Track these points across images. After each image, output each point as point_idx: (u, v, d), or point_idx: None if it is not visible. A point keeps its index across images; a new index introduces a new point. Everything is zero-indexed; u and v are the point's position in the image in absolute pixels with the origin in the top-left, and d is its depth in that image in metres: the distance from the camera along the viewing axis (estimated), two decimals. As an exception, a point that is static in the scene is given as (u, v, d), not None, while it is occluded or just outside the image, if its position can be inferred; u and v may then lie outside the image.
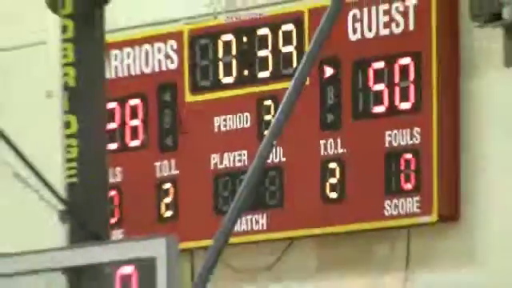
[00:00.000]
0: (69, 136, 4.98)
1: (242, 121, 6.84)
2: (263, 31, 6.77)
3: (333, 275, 6.88)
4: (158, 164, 7.04)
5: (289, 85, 3.83)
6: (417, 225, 6.50)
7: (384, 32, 6.38)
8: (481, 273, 6.67)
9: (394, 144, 6.33)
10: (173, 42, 6.99)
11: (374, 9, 6.61)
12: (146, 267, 4.53)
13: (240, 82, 6.84)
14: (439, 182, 6.43)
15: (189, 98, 6.91)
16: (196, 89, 6.63)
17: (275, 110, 6.84)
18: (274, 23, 6.69)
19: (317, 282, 6.99)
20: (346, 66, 6.35)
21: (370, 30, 6.46)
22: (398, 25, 6.41)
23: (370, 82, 6.37)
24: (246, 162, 6.74)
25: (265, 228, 6.64)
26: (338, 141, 6.47)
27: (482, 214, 6.64)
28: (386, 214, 6.35)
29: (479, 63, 6.33)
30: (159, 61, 7.03)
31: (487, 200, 6.74)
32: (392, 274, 7.08)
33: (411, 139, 6.24)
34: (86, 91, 5.16)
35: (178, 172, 7.18)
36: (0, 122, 6.29)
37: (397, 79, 6.34)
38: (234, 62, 6.78)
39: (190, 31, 6.97)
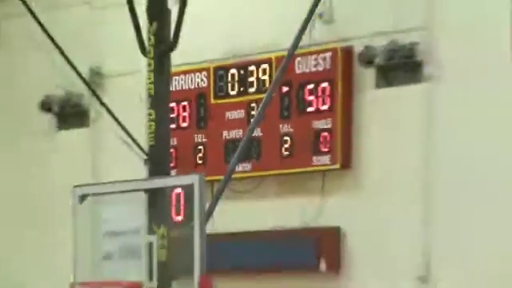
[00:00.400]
0: (150, 120, 8.68)
1: (239, 114, 11.09)
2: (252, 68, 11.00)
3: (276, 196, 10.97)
4: (195, 135, 11.35)
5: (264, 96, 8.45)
6: (329, 170, 10.60)
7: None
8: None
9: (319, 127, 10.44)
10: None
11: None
12: (188, 189, 7.45)
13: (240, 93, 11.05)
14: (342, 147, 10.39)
15: (213, 101, 11.24)
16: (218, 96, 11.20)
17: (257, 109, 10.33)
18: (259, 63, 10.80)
19: (272, 200, 10.90)
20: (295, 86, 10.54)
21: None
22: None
23: (306, 96, 10.51)
24: (241, 136, 10.61)
25: (249, 169, 10.86)
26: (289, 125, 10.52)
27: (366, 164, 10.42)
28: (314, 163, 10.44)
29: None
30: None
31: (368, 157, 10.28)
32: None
33: (326, 125, 10.33)
34: (159, 97, 8.73)
35: (206, 140, 11.44)
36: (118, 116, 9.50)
37: (320, 93, 10.43)
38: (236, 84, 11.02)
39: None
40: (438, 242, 9.99)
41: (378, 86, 10.40)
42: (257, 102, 10.68)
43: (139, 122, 9.89)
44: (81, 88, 12.16)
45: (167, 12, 9.30)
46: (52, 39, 10.30)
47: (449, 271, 9.88)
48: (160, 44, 9.18)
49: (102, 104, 10.70)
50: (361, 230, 10.46)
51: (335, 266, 10.58)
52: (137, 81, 10.75)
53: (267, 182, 11.05)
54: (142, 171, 9.56)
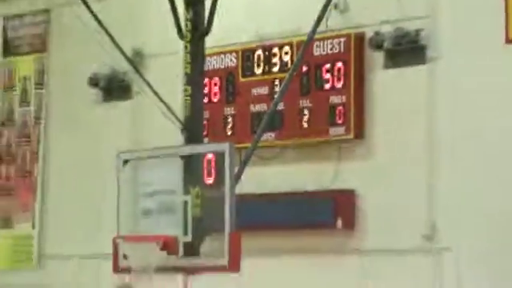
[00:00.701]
0: (186, 95, 9.39)
1: (264, 90, 11.61)
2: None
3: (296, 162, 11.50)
4: (225, 108, 11.91)
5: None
6: (343, 139, 10.94)
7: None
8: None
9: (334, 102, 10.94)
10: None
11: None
12: (219, 155, 8.35)
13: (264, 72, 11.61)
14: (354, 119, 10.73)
15: (241, 79, 11.78)
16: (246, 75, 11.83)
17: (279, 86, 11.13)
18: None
19: (293, 166, 11.39)
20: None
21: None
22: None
23: (323, 74, 11.00)
24: (266, 109, 11.09)
25: (273, 138, 11.32)
26: (308, 100, 11.07)
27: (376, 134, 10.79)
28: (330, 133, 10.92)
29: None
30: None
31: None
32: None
33: (341, 100, 10.85)
34: (194, 75, 9.40)
35: (234, 113, 11.93)
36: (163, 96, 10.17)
37: (335, 72, 10.92)
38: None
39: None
40: (443, 203, 10.40)
41: (386, 66, 10.89)
42: (279, 80, 11.39)
43: (176, 97, 10.71)
44: (125, 66, 12.71)
45: (201, 1, 9.91)
46: (100, 23, 11.01)
47: (453, 230, 10.26)
48: (195, 29, 9.93)
49: (144, 80, 11.39)
50: (373, 192, 10.86)
51: (350, 223, 10.96)
52: (175, 60, 11.18)
53: (289, 150, 11.56)
54: (178, 139, 10.37)
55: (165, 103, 10.70)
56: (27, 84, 14.96)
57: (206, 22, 10.04)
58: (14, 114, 15.19)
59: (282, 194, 11.48)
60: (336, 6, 10.91)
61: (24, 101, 14.96)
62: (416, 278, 10.41)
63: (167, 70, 12.32)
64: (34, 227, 14.68)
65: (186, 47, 9.95)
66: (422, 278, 10.40)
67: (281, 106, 11.16)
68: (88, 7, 11.10)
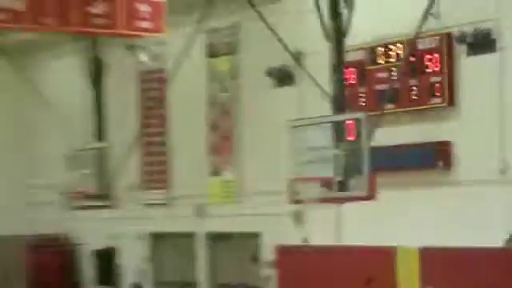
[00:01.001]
0: (334, 80, 12.94)
1: (385, 75, 13.09)
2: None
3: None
4: (359, 88, 13.44)
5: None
6: (440, 107, 12.18)
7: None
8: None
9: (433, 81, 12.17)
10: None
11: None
12: (357, 121, 11.87)
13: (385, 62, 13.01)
14: (448, 93, 12.11)
15: (368, 67, 13.19)
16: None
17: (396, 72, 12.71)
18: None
19: (406, 126, 12.69)
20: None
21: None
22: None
23: (425, 62, 12.41)
24: (387, 88, 12.72)
25: (392, 108, 12.69)
26: (415, 80, 12.40)
27: (463, 102, 12.10)
28: (431, 102, 12.51)
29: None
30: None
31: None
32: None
33: (438, 80, 12.19)
34: (340, 66, 12.95)
35: (365, 90, 13.47)
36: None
37: (434, 60, 12.22)
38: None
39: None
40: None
41: (468, 55, 12.30)
42: (395, 67, 13.12)
43: (326, 82, 13.56)
44: (289, 61, 15.01)
45: (340, 14, 12.68)
46: (273, 31, 14.08)
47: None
48: (338, 34, 12.83)
49: (304, 71, 14.14)
50: (464, 142, 12.39)
51: (448, 164, 12.46)
52: (324, 57, 13.63)
53: (403, 115, 13.18)
54: (328, 111, 13.39)
55: (320, 86, 13.53)
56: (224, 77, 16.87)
57: (344, 28, 12.82)
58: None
59: (400, 145, 12.79)
60: (432, 14, 12.22)
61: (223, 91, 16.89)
62: (493, 205, 11.62)
63: (319, 63, 14.07)
64: (233, 175, 16.75)
65: (331, 47, 12.86)
66: (496, 205, 11.61)
67: (396, 85, 12.94)
68: (265, 22, 14.14)
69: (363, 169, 11.53)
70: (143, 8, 14.34)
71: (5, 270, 19.92)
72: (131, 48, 18.36)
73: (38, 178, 20.75)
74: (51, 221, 20.12)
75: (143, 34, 14.99)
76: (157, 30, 14.77)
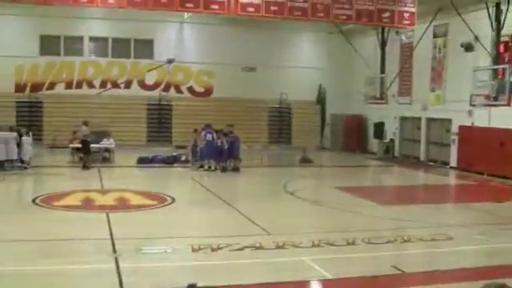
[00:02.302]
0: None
1: None
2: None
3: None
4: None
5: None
6: None
7: None
8: None
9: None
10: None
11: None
12: (505, 69, 24.76)
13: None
14: None
15: None
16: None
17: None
18: None
19: None
20: None
21: None
22: None
23: None
24: None
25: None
26: None
27: None
28: None
29: None
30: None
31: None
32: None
33: None
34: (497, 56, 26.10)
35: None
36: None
37: None
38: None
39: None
40: None
41: None
42: None
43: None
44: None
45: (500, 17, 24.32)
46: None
47: None
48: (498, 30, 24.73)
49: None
50: None
51: None
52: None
53: None
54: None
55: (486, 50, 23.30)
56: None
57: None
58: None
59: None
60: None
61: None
62: None
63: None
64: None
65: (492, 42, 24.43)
66: None
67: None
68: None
69: (505, 91, 21.32)
70: (406, 12, 27.37)
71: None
72: (397, 33, 32.43)
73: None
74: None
75: (407, 27, 27.64)
76: (412, 24, 26.98)
